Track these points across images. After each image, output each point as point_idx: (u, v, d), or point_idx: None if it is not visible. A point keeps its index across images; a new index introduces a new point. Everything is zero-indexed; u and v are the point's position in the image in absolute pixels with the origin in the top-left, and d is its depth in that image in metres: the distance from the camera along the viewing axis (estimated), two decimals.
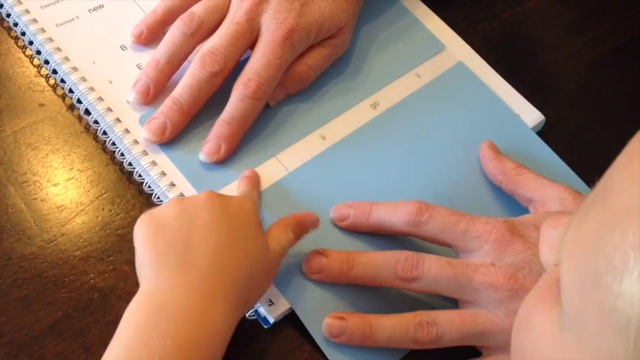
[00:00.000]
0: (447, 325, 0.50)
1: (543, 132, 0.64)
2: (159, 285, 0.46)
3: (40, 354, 0.50)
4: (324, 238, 0.55)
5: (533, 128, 0.63)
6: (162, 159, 0.57)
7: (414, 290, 0.52)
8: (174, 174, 0.57)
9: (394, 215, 0.54)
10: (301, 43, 0.60)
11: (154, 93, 0.59)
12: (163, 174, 0.57)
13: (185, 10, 0.61)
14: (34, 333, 0.51)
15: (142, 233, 0.48)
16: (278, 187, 0.57)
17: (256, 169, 0.58)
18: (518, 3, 0.73)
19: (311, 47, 0.61)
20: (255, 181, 0.57)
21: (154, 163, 0.57)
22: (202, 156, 0.57)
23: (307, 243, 0.54)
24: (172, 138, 0.58)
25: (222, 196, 0.51)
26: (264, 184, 0.57)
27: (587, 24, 0.72)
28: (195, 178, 0.57)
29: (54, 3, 0.64)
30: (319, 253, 0.53)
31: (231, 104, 0.58)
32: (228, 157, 0.58)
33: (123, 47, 0.63)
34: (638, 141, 0.32)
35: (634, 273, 0.28)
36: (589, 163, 0.63)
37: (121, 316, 0.51)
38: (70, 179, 0.57)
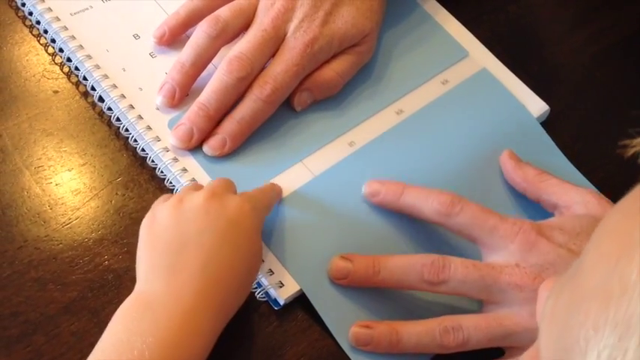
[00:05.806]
0: (472, 330, 0.50)
1: (548, 123, 0.65)
2: (149, 286, 0.48)
3: (55, 333, 0.51)
4: (348, 242, 0.56)
5: (537, 118, 0.64)
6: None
7: (440, 293, 0.52)
8: (186, 159, 0.58)
9: (425, 202, 0.54)
10: (322, 52, 0.60)
11: (180, 96, 0.60)
12: (176, 160, 0.58)
13: (207, 13, 0.61)
14: (49, 312, 0.52)
15: (142, 235, 0.50)
16: (304, 191, 0.58)
17: (282, 173, 0.58)
18: None
19: (337, 54, 0.62)
20: (267, 189, 0.56)
21: (166, 149, 0.58)
22: (206, 149, 0.58)
23: (332, 248, 0.55)
24: (199, 143, 0.58)
25: (220, 198, 0.51)
26: (291, 187, 0.58)
27: (591, 17, 0.73)
28: (214, 174, 0.58)
29: None
30: (344, 258, 0.54)
31: (244, 103, 0.59)
32: (230, 153, 0.59)
33: (136, 36, 0.64)
34: (612, 220, 0.31)
35: (594, 353, 0.28)
36: (593, 152, 0.64)
37: None
38: (84, 164, 0.58)
